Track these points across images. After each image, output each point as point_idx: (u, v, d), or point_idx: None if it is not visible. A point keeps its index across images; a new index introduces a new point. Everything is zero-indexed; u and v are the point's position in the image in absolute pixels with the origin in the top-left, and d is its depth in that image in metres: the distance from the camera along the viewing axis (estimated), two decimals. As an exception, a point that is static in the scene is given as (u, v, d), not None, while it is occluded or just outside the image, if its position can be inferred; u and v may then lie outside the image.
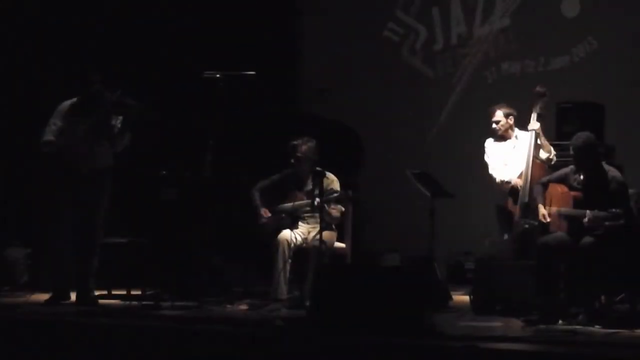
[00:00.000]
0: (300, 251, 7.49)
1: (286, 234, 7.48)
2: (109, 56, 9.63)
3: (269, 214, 7.66)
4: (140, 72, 9.90)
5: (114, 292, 7.98)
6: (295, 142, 7.58)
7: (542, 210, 6.70)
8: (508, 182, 7.57)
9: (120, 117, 7.30)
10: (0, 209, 9.08)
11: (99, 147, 7.35)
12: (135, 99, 7.35)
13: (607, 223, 6.40)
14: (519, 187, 7.37)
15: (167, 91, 10.00)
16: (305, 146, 7.58)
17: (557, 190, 6.77)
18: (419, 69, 10.58)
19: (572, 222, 6.60)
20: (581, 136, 6.68)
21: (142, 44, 10.05)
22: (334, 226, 7.61)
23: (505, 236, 7.50)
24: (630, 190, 6.83)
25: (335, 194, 7.44)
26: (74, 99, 7.41)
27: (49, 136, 7.31)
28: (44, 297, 7.56)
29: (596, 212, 6.41)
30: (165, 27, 10.27)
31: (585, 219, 6.44)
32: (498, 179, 7.66)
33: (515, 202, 7.40)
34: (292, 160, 7.59)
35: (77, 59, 9.20)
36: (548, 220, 6.67)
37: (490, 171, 7.71)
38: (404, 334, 5.54)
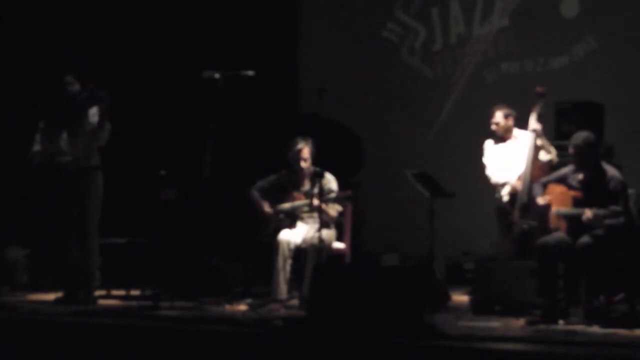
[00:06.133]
0: (299, 251, 7.49)
1: (286, 234, 7.48)
2: (107, 56, 9.65)
3: (271, 209, 7.68)
4: (140, 71, 9.91)
5: (113, 292, 7.98)
6: (297, 148, 7.58)
7: (541, 200, 6.69)
8: (503, 185, 7.58)
9: (95, 109, 7.31)
10: (0, 209, 9.08)
11: (82, 145, 7.37)
12: (107, 90, 7.35)
13: (607, 221, 6.40)
14: (518, 190, 7.38)
15: (166, 90, 10.01)
16: (307, 148, 7.60)
17: (556, 190, 6.77)
18: (418, 69, 10.59)
19: (572, 222, 6.60)
20: (581, 135, 6.67)
21: (141, 44, 10.06)
22: (332, 226, 7.61)
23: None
24: (630, 190, 6.82)
25: (333, 194, 7.45)
26: (55, 105, 7.46)
27: (36, 147, 7.41)
28: (44, 297, 7.56)
29: (595, 210, 6.41)
30: (165, 26, 10.28)
31: (584, 217, 6.43)
32: (493, 181, 7.68)
33: (513, 205, 7.41)
34: (300, 164, 7.59)
35: (77, 59, 9.22)
36: (548, 199, 6.64)
37: (487, 173, 7.73)
38: (403, 334, 5.54)
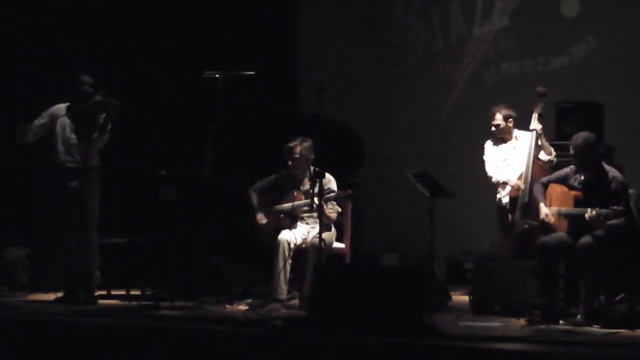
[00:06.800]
0: (299, 251, 7.48)
1: (286, 234, 7.47)
2: (107, 56, 9.64)
3: (265, 220, 7.66)
4: (140, 71, 9.91)
5: (113, 292, 7.98)
6: (291, 144, 7.57)
7: (545, 209, 6.68)
8: (504, 183, 7.58)
9: (103, 116, 7.32)
10: (0, 209, 9.08)
11: (84, 146, 7.37)
12: (117, 98, 7.35)
13: (608, 222, 6.39)
14: (520, 187, 7.37)
15: (166, 91, 10.01)
16: (301, 147, 7.56)
17: (557, 190, 6.76)
18: (419, 69, 10.59)
19: (572, 222, 6.59)
20: (581, 135, 6.67)
21: (141, 43, 10.05)
22: (332, 226, 7.61)
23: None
24: (630, 191, 6.82)
25: (333, 194, 7.45)
26: (67, 103, 7.46)
27: (40, 120, 7.43)
28: (44, 297, 7.55)
29: (598, 209, 6.39)
30: (165, 26, 10.27)
31: (587, 215, 6.41)
32: (494, 179, 7.68)
33: (514, 207, 7.40)
34: (290, 162, 7.58)
35: (77, 59, 9.21)
36: (551, 219, 6.64)
37: (487, 170, 7.73)
38: (404, 334, 5.54)
